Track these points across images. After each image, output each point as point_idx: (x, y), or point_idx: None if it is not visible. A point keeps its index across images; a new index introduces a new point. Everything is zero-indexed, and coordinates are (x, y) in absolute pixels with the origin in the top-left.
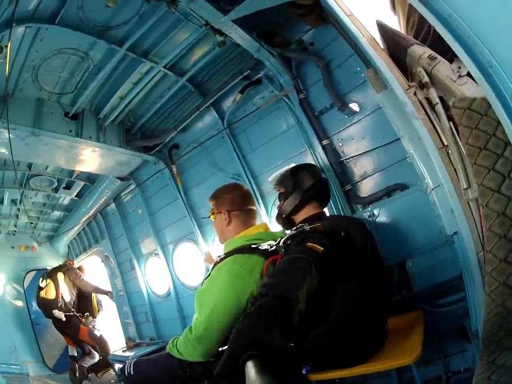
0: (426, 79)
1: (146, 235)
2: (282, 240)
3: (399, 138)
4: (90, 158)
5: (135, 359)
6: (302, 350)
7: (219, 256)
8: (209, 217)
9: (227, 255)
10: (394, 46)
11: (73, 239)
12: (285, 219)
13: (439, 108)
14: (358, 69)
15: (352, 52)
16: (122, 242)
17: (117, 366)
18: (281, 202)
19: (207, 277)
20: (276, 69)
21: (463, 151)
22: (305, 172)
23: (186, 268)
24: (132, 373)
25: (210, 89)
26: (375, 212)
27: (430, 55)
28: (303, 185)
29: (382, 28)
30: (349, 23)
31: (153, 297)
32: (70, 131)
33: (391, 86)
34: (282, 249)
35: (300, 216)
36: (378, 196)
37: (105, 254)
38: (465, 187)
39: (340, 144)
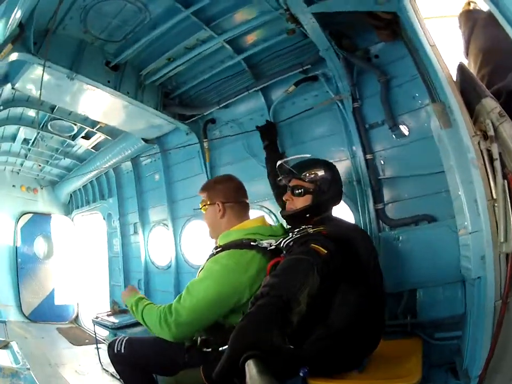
0: (492, 132)
1: (158, 203)
2: (285, 241)
3: (439, 172)
4: (122, 113)
5: (128, 337)
6: (299, 353)
7: (215, 248)
8: (200, 209)
9: (224, 248)
10: (470, 90)
11: (78, 190)
12: (302, 221)
13: (497, 163)
14: (417, 94)
15: (415, 76)
16: (131, 204)
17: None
18: (302, 197)
19: (201, 269)
20: (337, 71)
21: (510, 208)
22: (338, 173)
23: (194, 245)
24: (122, 351)
25: (264, 73)
26: (401, 236)
27: (500, 111)
28: (336, 185)
29: (463, 70)
30: (431, 54)
31: (151, 267)
32: (108, 81)
33: (458, 128)
34: (284, 251)
35: (316, 218)
36: (406, 222)
37: (109, 212)
38: (502, 240)
39: (382, 162)
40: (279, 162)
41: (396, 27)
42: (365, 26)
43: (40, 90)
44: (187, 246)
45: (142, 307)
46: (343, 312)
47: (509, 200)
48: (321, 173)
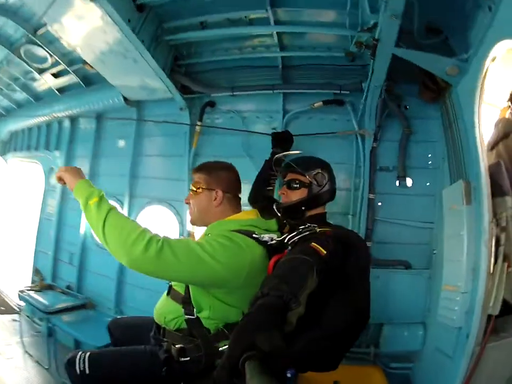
0: (504, 224)
1: (117, 173)
2: (290, 237)
3: (426, 228)
4: (121, 61)
5: (89, 352)
6: (291, 353)
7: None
8: (190, 189)
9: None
10: (497, 182)
11: (22, 131)
12: (297, 213)
13: (502, 248)
14: (430, 155)
15: (435, 140)
16: (80, 164)
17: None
18: (298, 191)
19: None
20: (371, 108)
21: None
22: (333, 172)
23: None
24: (87, 371)
25: (295, 79)
26: (380, 275)
27: None
28: (331, 183)
29: (498, 165)
30: (475, 138)
31: (90, 243)
32: (129, 21)
33: (479, 207)
34: (289, 247)
35: (309, 213)
36: (388, 263)
37: (52, 166)
38: (491, 304)
39: (380, 204)
40: (277, 156)
41: (442, 94)
42: (412, 77)
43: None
44: None
45: (108, 209)
46: (339, 313)
47: (504, 277)
48: (318, 168)
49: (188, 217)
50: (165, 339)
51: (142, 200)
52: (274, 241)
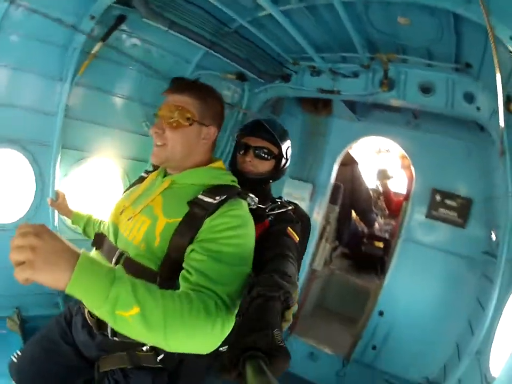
0: (330, 220)
1: None
2: (270, 209)
3: None
4: None
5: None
6: None
7: (217, 198)
8: (172, 120)
9: (227, 195)
10: (334, 196)
11: None
12: (264, 186)
13: (325, 234)
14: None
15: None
16: None
17: None
18: (267, 161)
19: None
20: None
21: (325, 249)
22: None
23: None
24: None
25: None
26: None
27: None
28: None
29: (339, 187)
30: None
31: None
32: None
33: (319, 208)
34: (270, 218)
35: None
36: None
37: None
38: (316, 263)
39: None
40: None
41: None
42: None
43: None
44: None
45: (158, 296)
46: None
47: (325, 248)
48: (288, 139)
49: (56, 170)
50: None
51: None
52: (255, 206)
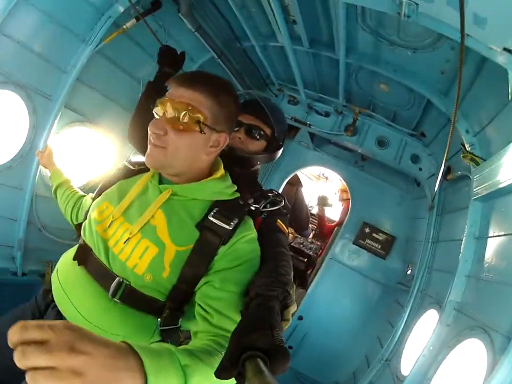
0: None
1: None
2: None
3: None
4: None
5: None
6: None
7: (231, 224)
8: (179, 122)
9: (238, 218)
10: None
11: None
12: (251, 167)
13: None
14: None
15: None
16: None
17: None
18: (258, 141)
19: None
20: None
21: None
22: None
23: None
24: None
25: None
26: None
27: None
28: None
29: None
30: None
31: None
32: None
33: None
34: (263, 215)
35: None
36: None
37: None
38: None
39: None
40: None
41: None
42: None
43: None
44: None
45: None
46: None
47: None
48: (285, 126)
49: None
50: None
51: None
52: (253, 207)
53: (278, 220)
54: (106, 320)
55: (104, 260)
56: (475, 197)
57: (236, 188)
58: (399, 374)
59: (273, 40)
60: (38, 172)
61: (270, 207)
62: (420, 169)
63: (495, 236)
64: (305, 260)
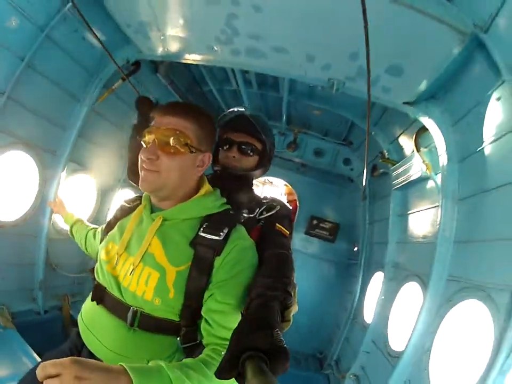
0: None
1: None
2: (259, 213)
3: None
4: None
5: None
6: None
7: (221, 234)
8: (170, 145)
9: (228, 227)
10: None
11: None
12: (251, 180)
13: None
14: None
15: None
16: None
17: None
18: (251, 157)
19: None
20: None
21: None
22: None
23: None
24: None
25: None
26: None
27: None
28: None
29: None
30: None
31: None
32: None
33: None
34: (261, 223)
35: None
36: None
37: None
38: None
39: None
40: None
41: None
42: None
43: None
44: None
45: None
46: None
47: None
48: (272, 137)
49: None
50: None
51: None
52: (246, 217)
53: (277, 224)
54: (129, 348)
55: (117, 294)
56: (395, 187)
57: (224, 200)
58: (365, 324)
59: (229, 85)
60: (51, 221)
61: (266, 213)
62: (352, 169)
63: (412, 213)
64: None
